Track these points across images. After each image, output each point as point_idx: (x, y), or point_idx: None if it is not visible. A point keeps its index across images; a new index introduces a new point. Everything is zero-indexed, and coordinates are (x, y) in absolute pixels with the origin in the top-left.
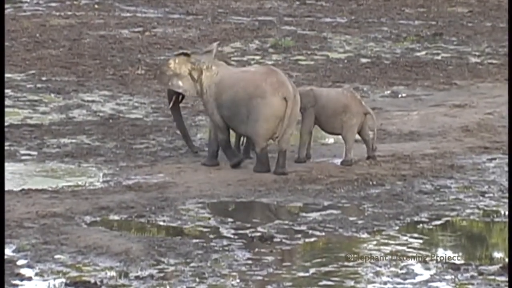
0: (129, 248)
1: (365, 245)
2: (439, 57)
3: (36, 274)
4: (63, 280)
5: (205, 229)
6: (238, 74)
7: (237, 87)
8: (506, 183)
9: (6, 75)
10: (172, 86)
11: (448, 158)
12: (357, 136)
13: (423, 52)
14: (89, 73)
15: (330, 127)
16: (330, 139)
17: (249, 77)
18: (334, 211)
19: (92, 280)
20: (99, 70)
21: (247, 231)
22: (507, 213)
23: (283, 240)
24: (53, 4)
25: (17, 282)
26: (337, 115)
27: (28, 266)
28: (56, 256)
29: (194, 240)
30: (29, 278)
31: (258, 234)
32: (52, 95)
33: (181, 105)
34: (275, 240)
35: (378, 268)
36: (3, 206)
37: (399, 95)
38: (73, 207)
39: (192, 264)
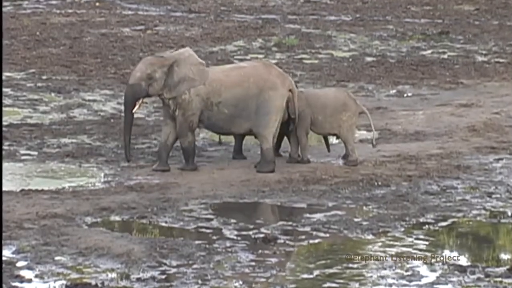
0: (131, 250)
1: (370, 246)
2: (445, 56)
3: (36, 276)
4: (64, 282)
5: (207, 230)
6: (235, 70)
7: (248, 83)
8: None
9: (6, 73)
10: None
11: (454, 159)
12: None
13: (429, 51)
14: (90, 72)
15: (327, 127)
16: (335, 140)
17: (254, 72)
18: (339, 212)
19: (93, 282)
20: (100, 69)
21: (251, 232)
22: None
23: (287, 242)
24: (54, 2)
25: (16, 284)
26: (337, 114)
27: (28, 267)
28: (57, 258)
29: (197, 242)
30: (29, 280)
31: (262, 235)
32: (53, 94)
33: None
34: (278, 241)
35: (383, 270)
36: (1, 206)
37: (405, 95)
38: (73, 208)
39: (194, 266)
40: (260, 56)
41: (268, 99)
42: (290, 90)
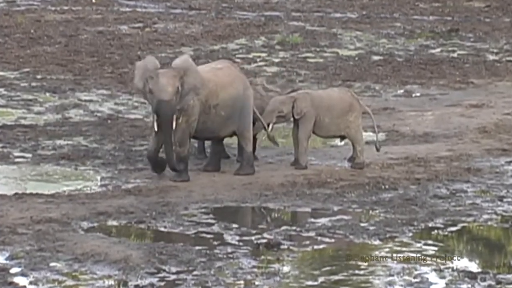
0: (129, 256)
1: (377, 252)
2: (455, 55)
3: (31, 283)
4: None
5: (208, 236)
6: (219, 70)
7: (236, 84)
8: None
9: None
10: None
11: (464, 161)
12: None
13: (438, 49)
14: (86, 71)
15: (333, 129)
16: (339, 142)
17: (233, 71)
18: (344, 217)
19: None
20: (97, 68)
21: (253, 238)
22: None
23: (291, 247)
24: None
25: None
26: (343, 115)
27: (22, 274)
28: (52, 264)
29: (197, 247)
30: (23, 287)
31: (264, 240)
32: (48, 94)
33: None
34: (282, 247)
35: (390, 277)
36: None
37: (413, 95)
38: (69, 212)
39: (194, 273)
40: (263, 54)
41: (248, 98)
42: None
